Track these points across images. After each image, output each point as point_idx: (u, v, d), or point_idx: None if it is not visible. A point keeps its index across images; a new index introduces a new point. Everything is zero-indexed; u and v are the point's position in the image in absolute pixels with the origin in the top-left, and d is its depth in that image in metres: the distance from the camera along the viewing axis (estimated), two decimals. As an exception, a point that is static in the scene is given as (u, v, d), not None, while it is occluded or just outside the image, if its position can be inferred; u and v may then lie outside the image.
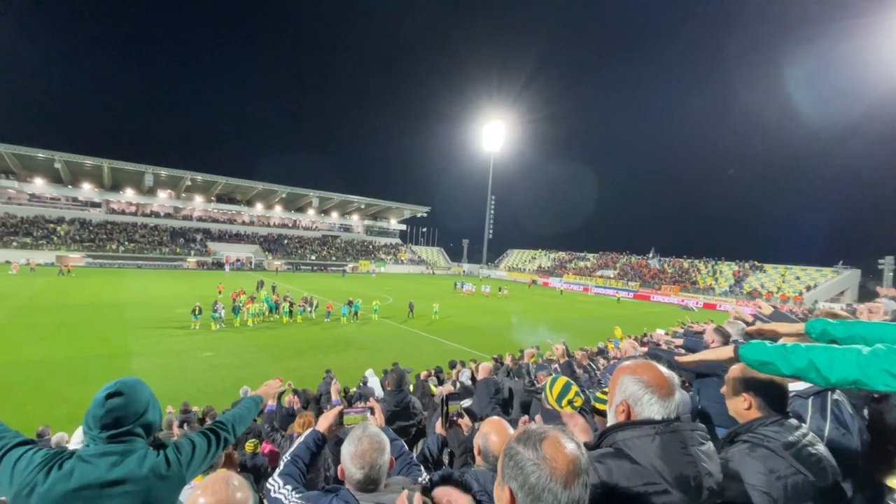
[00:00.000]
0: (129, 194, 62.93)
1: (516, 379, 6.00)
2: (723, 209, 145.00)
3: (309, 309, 25.62)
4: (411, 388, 8.89)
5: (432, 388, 9.12)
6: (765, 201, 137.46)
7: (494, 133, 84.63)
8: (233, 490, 1.37)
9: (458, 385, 8.62)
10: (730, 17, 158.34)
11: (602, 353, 13.47)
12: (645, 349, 6.66)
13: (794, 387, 2.12)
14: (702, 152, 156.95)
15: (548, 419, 2.74)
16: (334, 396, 4.57)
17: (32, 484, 1.55)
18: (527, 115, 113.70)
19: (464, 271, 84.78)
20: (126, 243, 56.53)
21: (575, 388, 2.82)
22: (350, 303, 26.15)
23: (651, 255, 66.70)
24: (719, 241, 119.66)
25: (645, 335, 15.63)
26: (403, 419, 4.10)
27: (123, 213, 63.06)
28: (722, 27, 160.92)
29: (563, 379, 2.87)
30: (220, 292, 31.00)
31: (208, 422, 7.41)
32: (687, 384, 4.06)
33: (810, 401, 2.07)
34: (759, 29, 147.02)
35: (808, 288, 47.95)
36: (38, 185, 56.82)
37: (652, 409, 1.40)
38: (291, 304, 24.88)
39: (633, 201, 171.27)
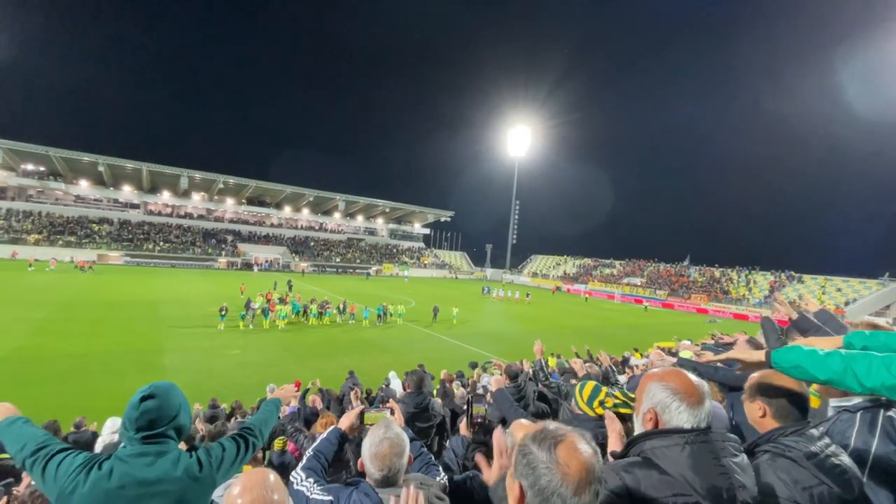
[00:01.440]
0: (166, 196, 65.53)
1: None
2: (758, 216, 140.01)
3: (334, 310, 25.86)
4: (434, 391, 8.91)
5: (455, 391, 9.13)
6: (804, 208, 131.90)
7: (519, 138, 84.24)
8: (270, 490, 1.38)
9: (482, 389, 8.58)
10: (765, 18, 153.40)
11: (626, 363, 13.13)
12: (674, 360, 6.51)
13: (841, 402, 1.99)
14: (735, 158, 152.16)
15: (578, 425, 2.70)
16: (354, 403, 4.62)
17: (75, 484, 1.63)
18: (552, 119, 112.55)
19: (486, 276, 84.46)
20: (161, 243, 58.84)
21: (605, 389, 2.81)
22: (384, 308, 26.46)
23: (687, 262, 64.88)
24: (754, 250, 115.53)
25: (678, 344, 15.16)
26: (423, 421, 4.10)
27: (160, 214, 65.74)
28: (755, 29, 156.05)
29: (591, 383, 2.87)
30: (241, 292, 31.75)
31: (238, 417, 7.59)
32: (721, 400, 3.93)
33: (858, 416, 1.90)
34: (793, 29, 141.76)
35: (849, 301, 45.62)
36: (83, 186, 59.82)
37: (680, 417, 1.36)
38: (322, 307, 25.27)
39: (661, 208, 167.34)
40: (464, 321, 28.98)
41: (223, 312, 21.77)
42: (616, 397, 2.72)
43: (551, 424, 1.16)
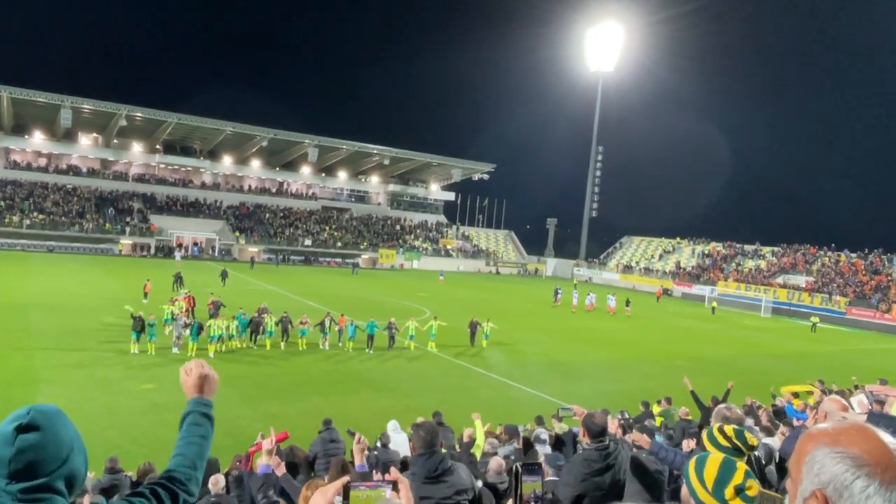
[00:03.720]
0: (38, 140, 67.39)
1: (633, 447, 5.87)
2: None
3: (312, 328, 25.34)
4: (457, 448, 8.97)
5: (477, 451, 9.21)
6: None
7: (605, 43, 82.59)
8: None
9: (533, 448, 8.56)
10: None
11: (779, 415, 12.98)
12: (862, 413, 6.39)
13: None
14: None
15: None
16: (358, 460, 4.69)
17: None
18: (660, 11, 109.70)
19: (547, 271, 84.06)
20: (32, 214, 60.85)
21: (742, 466, 2.66)
22: (390, 326, 26.04)
23: None
24: None
25: (857, 388, 14.96)
26: (440, 495, 4.11)
27: (29, 167, 67.77)
28: None
29: (717, 456, 2.73)
30: (146, 294, 31.81)
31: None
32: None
33: None
34: None
35: None
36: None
37: None
38: (287, 322, 24.94)
39: (846, 161, 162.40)
40: (511, 344, 29.02)
41: (139, 329, 21.63)
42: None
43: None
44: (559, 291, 50.48)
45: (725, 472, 2.62)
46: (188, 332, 22.88)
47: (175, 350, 22.56)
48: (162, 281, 36.26)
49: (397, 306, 36.75)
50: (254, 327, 24.88)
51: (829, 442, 1.36)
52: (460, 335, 28.81)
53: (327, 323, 25.62)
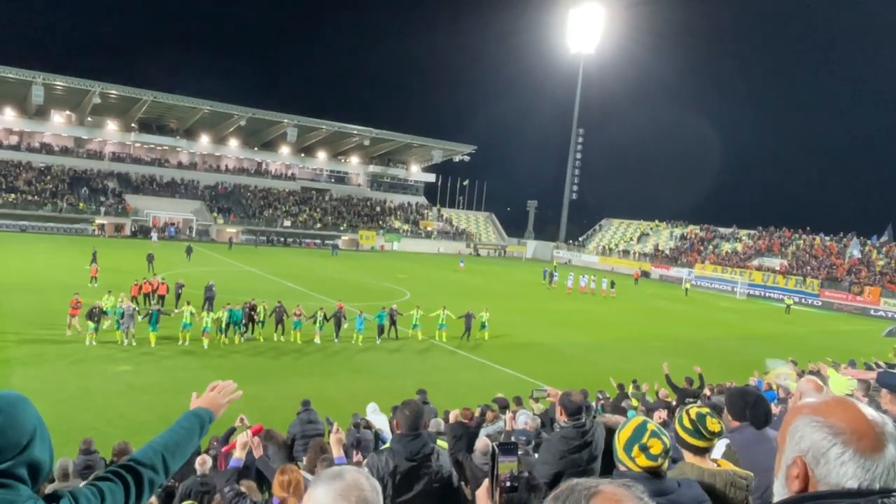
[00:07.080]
0: (9, 117, 66.07)
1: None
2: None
3: (307, 319, 23.76)
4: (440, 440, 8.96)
5: (440, 442, 9.20)
6: None
7: (586, 24, 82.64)
8: None
9: (511, 431, 8.61)
10: None
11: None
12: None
13: None
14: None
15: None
16: (337, 452, 4.60)
17: None
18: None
19: (527, 253, 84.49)
20: (4, 193, 59.78)
21: (651, 426, 2.94)
22: (392, 313, 24.91)
23: (887, 236, 62.68)
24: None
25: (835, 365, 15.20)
26: (421, 481, 4.08)
27: (1, 146, 66.44)
28: None
29: (635, 420, 3.06)
30: (93, 278, 30.67)
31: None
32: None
33: None
34: None
35: None
36: None
37: (843, 470, 1.31)
38: (281, 312, 23.40)
39: (825, 145, 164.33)
40: (495, 328, 29.05)
41: (96, 318, 20.23)
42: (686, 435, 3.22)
43: (583, 480, 1.27)
44: (555, 274, 51.32)
45: (637, 433, 2.94)
46: (139, 319, 21.26)
47: (125, 342, 20.65)
48: (135, 262, 35.93)
49: (377, 288, 36.72)
50: (247, 320, 23.05)
51: (811, 412, 1.43)
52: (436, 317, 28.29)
53: (319, 316, 23.83)
